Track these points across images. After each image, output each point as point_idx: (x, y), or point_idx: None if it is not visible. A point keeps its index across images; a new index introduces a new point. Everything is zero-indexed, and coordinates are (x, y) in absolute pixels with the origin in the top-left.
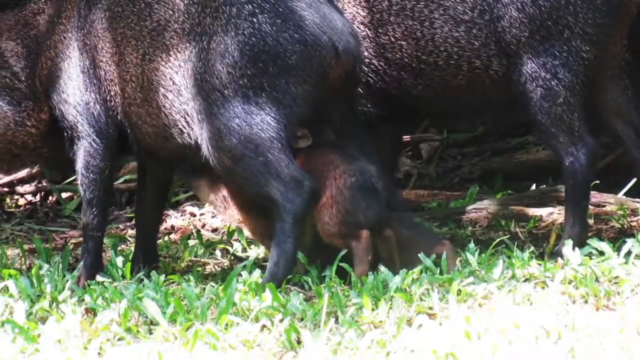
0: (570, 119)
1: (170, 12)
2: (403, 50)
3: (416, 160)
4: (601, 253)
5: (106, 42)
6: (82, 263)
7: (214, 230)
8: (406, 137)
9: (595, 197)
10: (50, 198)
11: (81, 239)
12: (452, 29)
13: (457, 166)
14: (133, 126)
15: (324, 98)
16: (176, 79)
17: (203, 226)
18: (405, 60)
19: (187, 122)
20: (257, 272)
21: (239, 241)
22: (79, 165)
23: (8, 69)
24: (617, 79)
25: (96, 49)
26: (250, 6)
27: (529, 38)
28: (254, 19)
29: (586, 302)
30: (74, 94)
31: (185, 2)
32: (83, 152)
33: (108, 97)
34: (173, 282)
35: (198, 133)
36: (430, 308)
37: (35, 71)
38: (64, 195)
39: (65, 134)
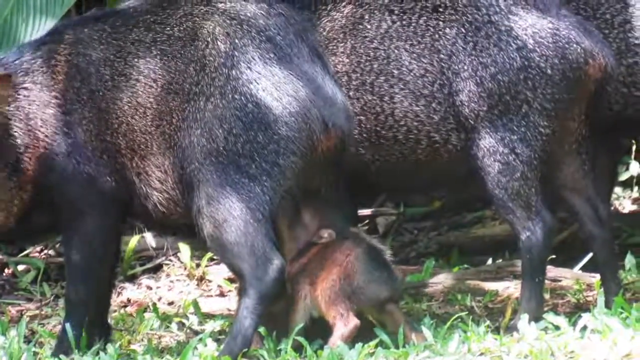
0: (527, 194)
1: (173, 75)
2: (362, 125)
3: (372, 234)
4: (557, 327)
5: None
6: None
7: (170, 304)
8: (362, 212)
9: (552, 271)
10: (6, 270)
11: (37, 311)
12: (412, 103)
13: (413, 240)
14: (143, 196)
15: (312, 171)
16: (179, 142)
17: (159, 299)
18: (364, 135)
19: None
20: (213, 345)
21: (195, 314)
22: (75, 243)
23: None
24: (574, 154)
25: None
26: (250, 72)
27: (488, 112)
28: (252, 85)
29: None
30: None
31: (185, 62)
32: (81, 231)
33: (115, 170)
34: (129, 355)
35: (192, 198)
36: None
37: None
38: (20, 267)
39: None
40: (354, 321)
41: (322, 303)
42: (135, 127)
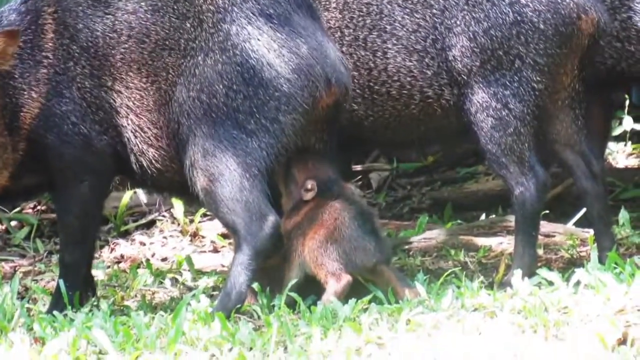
0: (520, 149)
1: (167, 31)
2: (355, 80)
3: (366, 190)
4: (550, 283)
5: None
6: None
7: (164, 260)
8: (356, 167)
9: (545, 227)
10: None
11: (30, 267)
12: (405, 59)
13: (406, 196)
14: (138, 154)
15: (310, 128)
16: (176, 98)
17: (152, 255)
18: (357, 91)
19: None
20: (206, 301)
21: (189, 270)
22: (71, 206)
23: None
24: (567, 110)
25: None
26: (251, 27)
27: (480, 67)
28: (253, 42)
29: (535, 332)
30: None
31: (181, 17)
32: (77, 194)
33: (110, 129)
34: (122, 311)
35: (185, 152)
36: (380, 338)
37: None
38: (13, 224)
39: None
40: (346, 277)
41: (311, 263)
42: (130, 84)
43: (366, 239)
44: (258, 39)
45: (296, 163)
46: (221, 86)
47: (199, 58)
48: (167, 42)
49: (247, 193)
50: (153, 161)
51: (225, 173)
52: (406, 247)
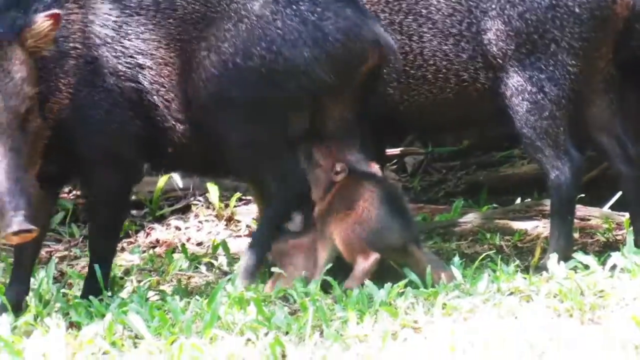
0: (555, 133)
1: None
2: (391, 64)
3: (401, 173)
4: (586, 267)
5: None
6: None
7: (199, 244)
8: (391, 151)
9: (581, 210)
10: None
11: (65, 252)
12: (441, 42)
13: (442, 180)
14: (169, 130)
15: (349, 94)
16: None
17: (188, 240)
18: (393, 75)
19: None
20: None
21: (224, 255)
22: (100, 193)
23: None
24: (602, 93)
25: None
26: None
27: (515, 51)
28: (295, 6)
29: (571, 315)
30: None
31: None
32: (112, 188)
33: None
34: (158, 296)
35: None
36: (416, 322)
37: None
38: None
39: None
40: (374, 255)
41: (340, 244)
42: (160, 61)
43: (394, 219)
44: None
45: (319, 148)
46: (259, 48)
47: (230, 24)
48: (193, 16)
49: (279, 152)
50: (183, 137)
51: (245, 138)
52: (442, 231)
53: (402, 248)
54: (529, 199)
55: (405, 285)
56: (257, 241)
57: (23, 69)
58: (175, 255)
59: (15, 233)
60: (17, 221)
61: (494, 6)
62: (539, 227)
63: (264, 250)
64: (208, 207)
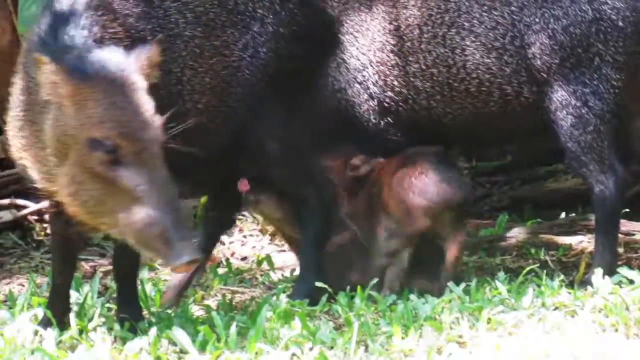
0: (600, 147)
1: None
2: (434, 77)
3: None
4: (631, 281)
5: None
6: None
7: (243, 259)
8: None
9: (625, 225)
10: None
11: (109, 267)
12: (484, 56)
13: (486, 194)
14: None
15: None
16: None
17: (232, 254)
18: (436, 88)
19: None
20: (286, 301)
21: (268, 269)
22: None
23: None
24: None
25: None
26: None
27: (560, 65)
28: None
29: (616, 330)
30: None
31: None
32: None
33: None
34: (203, 311)
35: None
36: (460, 336)
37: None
38: None
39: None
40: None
41: (396, 207)
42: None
43: (451, 174)
44: None
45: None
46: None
47: (256, 26)
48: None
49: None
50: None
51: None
52: (487, 245)
53: (454, 210)
54: (574, 214)
55: (450, 300)
56: (307, 265)
57: None
58: (220, 270)
59: (187, 263)
60: (189, 251)
61: (537, 20)
62: (584, 242)
63: (318, 271)
64: (252, 222)
